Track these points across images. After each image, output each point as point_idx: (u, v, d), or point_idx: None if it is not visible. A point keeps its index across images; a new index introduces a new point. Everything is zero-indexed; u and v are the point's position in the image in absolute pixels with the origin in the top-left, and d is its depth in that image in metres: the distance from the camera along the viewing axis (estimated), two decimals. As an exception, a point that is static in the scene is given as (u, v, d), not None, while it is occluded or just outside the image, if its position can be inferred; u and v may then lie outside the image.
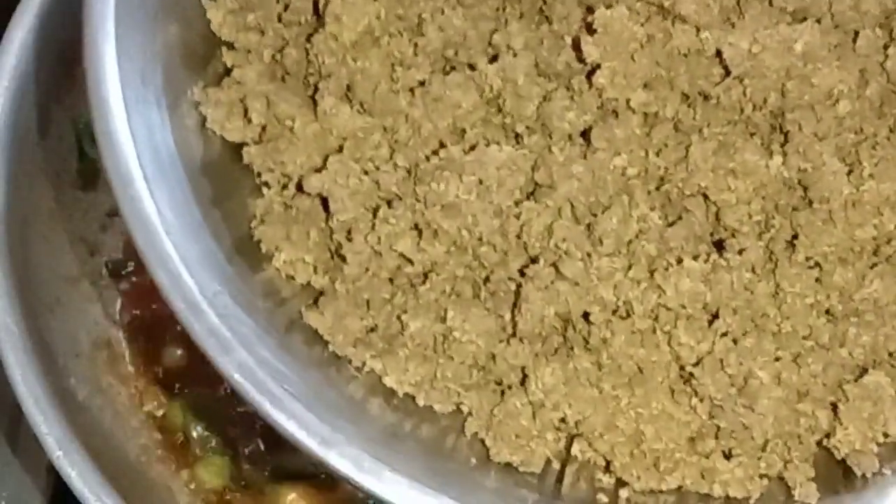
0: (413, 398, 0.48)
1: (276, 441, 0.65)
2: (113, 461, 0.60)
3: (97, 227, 0.68)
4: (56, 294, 0.64)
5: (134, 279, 0.68)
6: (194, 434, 0.66)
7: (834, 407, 0.48)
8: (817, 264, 0.48)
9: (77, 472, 0.57)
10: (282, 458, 0.66)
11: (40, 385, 0.58)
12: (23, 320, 0.58)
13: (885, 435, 0.48)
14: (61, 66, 0.62)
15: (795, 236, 0.48)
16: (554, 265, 0.47)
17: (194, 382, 0.67)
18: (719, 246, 0.49)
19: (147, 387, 0.67)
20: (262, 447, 0.66)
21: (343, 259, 0.49)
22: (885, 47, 0.50)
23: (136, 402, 0.67)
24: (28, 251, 0.61)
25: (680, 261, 0.47)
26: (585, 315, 0.48)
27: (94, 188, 0.67)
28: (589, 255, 0.47)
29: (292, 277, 0.49)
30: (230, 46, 0.52)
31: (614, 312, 0.47)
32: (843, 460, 0.48)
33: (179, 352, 0.68)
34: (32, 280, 0.61)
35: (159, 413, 0.67)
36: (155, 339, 0.68)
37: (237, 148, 0.51)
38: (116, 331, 0.67)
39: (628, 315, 0.47)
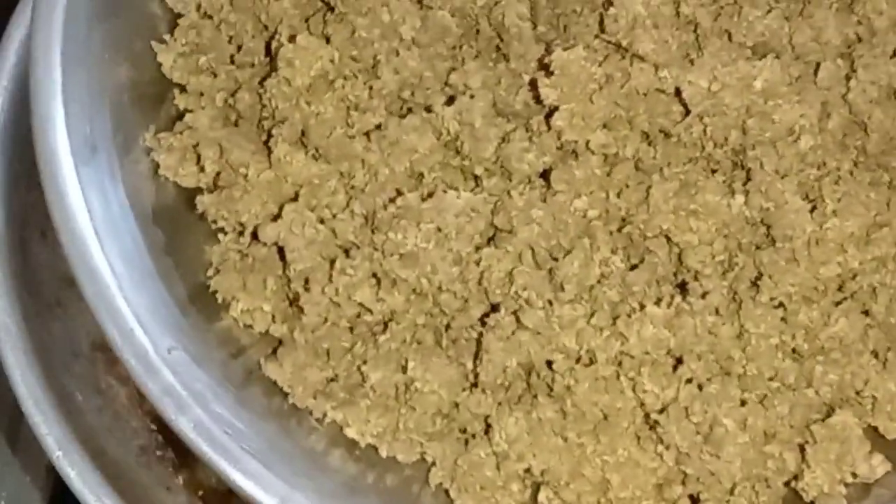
0: (376, 449, 0.48)
1: None
2: (113, 461, 0.60)
3: None
4: (56, 294, 0.63)
5: None
6: None
7: (801, 448, 0.48)
8: (781, 304, 0.47)
9: (77, 472, 0.57)
10: None
11: (40, 385, 0.57)
12: (23, 320, 0.58)
13: (854, 475, 0.47)
14: None
15: (759, 276, 0.47)
16: (515, 314, 0.47)
17: None
18: (683, 287, 0.48)
19: None
20: None
21: (301, 309, 0.48)
22: (847, 78, 0.49)
23: (136, 403, 0.66)
24: (28, 251, 0.61)
25: (643, 306, 0.47)
26: (549, 363, 0.47)
27: None
28: (550, 302, 0.47)
29: (250, 326, 0.49)
30: (182, 89, 0.51)
31: (577, 360, 0.47)
32: (812, 502, 0.48)
33: None
34: (32, 280, 0.61)
35: (159, 413, 0.66)
36: None
37: (191, 194, 0.50)
38: None
39: (592, 362, 0.47)
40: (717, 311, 0.47)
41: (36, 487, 0.67)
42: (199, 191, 0.50)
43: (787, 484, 0.48)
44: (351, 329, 0.48)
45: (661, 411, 0.47)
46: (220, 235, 0.50)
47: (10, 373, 0.58)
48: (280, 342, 0.49)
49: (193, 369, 0.46)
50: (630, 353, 0.46)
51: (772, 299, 0.47)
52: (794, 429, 0.47)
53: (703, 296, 0.47)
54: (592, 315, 0.47)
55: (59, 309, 0.63)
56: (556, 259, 0.47)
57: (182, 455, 0.66)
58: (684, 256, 0.47)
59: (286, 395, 0.48)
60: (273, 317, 0.49)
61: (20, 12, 0.59)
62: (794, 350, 0.48)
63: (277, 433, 0.47)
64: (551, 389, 0.47)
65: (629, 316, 0.46)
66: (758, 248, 0.48)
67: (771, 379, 0.47)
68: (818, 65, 0.49)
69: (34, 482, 0.67)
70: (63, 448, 0.57)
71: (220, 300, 0.49)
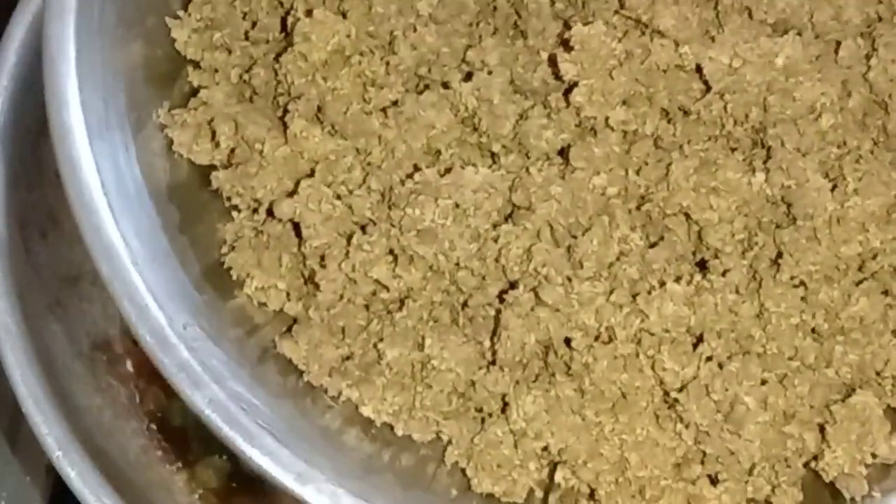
0: (391, 427, 0.47)
1: None
2: (113, 461, 0.60)
3: None
4: (56, 294, 0.63)
5: None
6: (194, 434, 0.65)
7: (821, 428, 0.47)
8: (802, 283, 0.47)
9: (77, 472, 0.57)
10: None
11: (40, 385, 0.57)
12: (23, 320, 0.58)
13: (874, 455, 0.47)
14: None
15: (780, 255, 0.47)
16: (534, 291, 0.46)
17: None
18: (702, 266, 0.47)
19: (147, 387, 0.67)
20: None
21: (317, 286, 0.47)
22: (867, 57, 0.49)
23: (136, 402, 0.66)
24: (28, 251, 0.61)
25: (662, 284, 0.46)
26: (567, 341, 0.47)
27: None
28: (569, 279, 0.46)
29: (264, 304, 0.48)
30: (196, 65, 0.50)
31: (596, 338, 0.46)
32: (832, 483, 0.47)
33: None
34: (32, 280, 0.61)
35: (159, 413, 0.67)
36: None
37: (205, 171, 0.49)
38: (116, 331, 0.67)
39: (611, 340, 0.46)
40: (737, 290, 0.46)
41: (36, 487, 0.67)
42: (213, 168, 0.49)
43: (806, 465, 0.47)
44: (367, 307, 0.47)
45: (680, 389, 0.46)
46: (235, 213, 0.49)
47: (10, 373, 0.58)
48: (295, 320, 0.48)
49: (209, 346, 0.45)
50: (650, 331, 0.46)
51: (792, 278, 0.47)
52: (814, 409, 0.47)
53: (724, 273, 0.47)
54: (612, 292, 0.46)
55: (59, 309, 0.63)
56: (574, 237, 0.47)
57: (182, 455, 0.66)
58: (704, 234, 0.47)
59: (301, 373, 0.47)
60: (288, 294, 0.48)
61: (20, 12, 0.59)
62: (814, 330, 0.47)
63: (293, 411, 0.46)
64: (569, 368, 0.46)
65: (649, 293, 0.46)
66: (778, 226, 0.47)
67: (791, 358, 0.47)
68: (839, 43, 0.49)
69: (34, 482, 0.67)
70: (63, 448, 0.57)
71: (234, 277, 0.48)
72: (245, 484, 0.66)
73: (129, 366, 0.67)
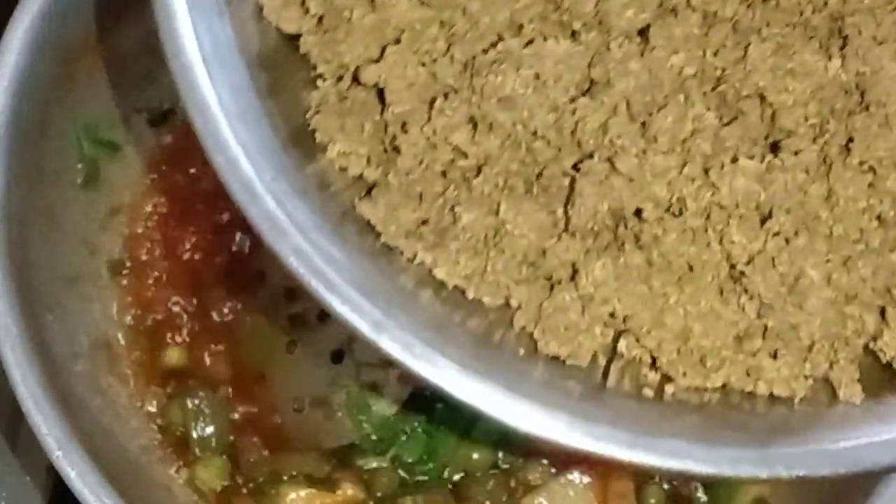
0: (462, 291, 0.49)
1: (277, 441, 0.66)
2: (113, 461, 0.60)
3: (97, 227, 0.68)
4: (56, 294, 0.64)
5: (134, 279, 0.69)
6: (194, 434, 0.66)
7: (882, 311, 0.48)
8: (871, 169, 0.48)
9: (77, 472, 0.57)
10: (282, 459, 0.66)
11: (40, 385, 0.58)
12: (23, 320, 0.58)
13: (932, 339, 0.48)
14: (61, 66, 0.62)
15: (851, 140, 0.48)
16: (609, 160, 0.47)
17: (194, 382, 0.67)
18: (774, 148, 0.48)
19: (147, 387, 0.68)
20: (262, 448, 0.67)
21: (397, 151, 0.49)
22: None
23: (136, 402, 0.67)
24: (28, 251, 0.61)
25: (735, 160, 0.47)
26: (638, 212, 0.48)
27: (93, 188, 0.67)
28: (644, 151, 0.47)
29: (345, 169, 0.49)
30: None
31: (667, 210, 0.47)
32: (889, 364, 0.48)
33: (179, 352, 0.68)
34: (32, 280, 0.61)
35: (159, 413, 0.67)
36: (155, 340, 0.68)
37: (293, 39, 0.51)
38: (116, 331, 0.67)
39: (681, 213, 0.47)
40: (807, 171, 0.47)
41: (36, 487, 0.67)
42: (300, 35, 0.50)
43: (864, 347, 0.48)
44: (444, 173, 0.49)
45: (747, 262, 0.47)
46: (320, 82, 0.50)
47: (10, 373, 0.58)
48: (374, 185, 0.49)
49: (295, 200, 0.47)
50: (720, 205, 0.47)
51: (861, 163, 0.48)
52: (875, 291, 0.48)
53: (795, 154, 0.47)
54: (684, 165, 0.47)
55: (59, 309, 0.64)
56: (650, 113, 0.48)
57: (182, 455, 0.67)
58: (778, 117, 0.48)
59: (378, 234, 0.49)
60: (368, 160, 0.49)
61: (20, 12, 0.59)
62: (880, 216, 0.48)
63: (371, 269, 0.48)
64: (639, 239, 0.48)
65: (721, 168, 0.47)
66: (851, 112, 0.48)
67: (856, 241, 0.48)
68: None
69: (34, 482, 0.67)
70: (63, 448, 0.57)
71: (318, 141, 0.49)
72: (245, 484, 0.67)
73: (129, 366, 0.68)
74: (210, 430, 0.66)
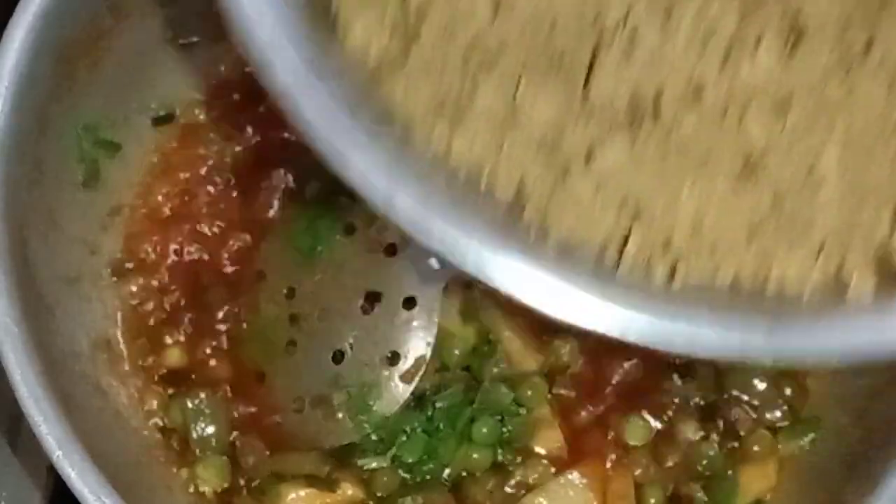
0: (478, 173, 0.48)
1: (277, 441, 0.66)
2: (113, 461, 0.59)
3: (97, 227, 0.68)
4: (56, 294, 0.64)
5: (134, 278, 0.69)
6: (194, 434, 0.66)
7: (896, 211, 0.48)
8: (891, 69, 0.48)
9: (77, 472, 0.57)
10: (282, 459, 0.66)
11: (40, 385, 0.58)
12: (23, 320, 0.58)
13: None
14: (61, 66, 0.63)
15: (871, 41, 0.48)
16: (630, 43, 0.47)
17: (194, 382, 0.67)
18: (796, 42, 0.48)
19: (147, 387, 0.67)
20: (262, 447, 0.67)
21: (418, 28, 0.48)
22: None
23: (136, 402, 0.67)
24: (28, 251, 0.61)
25: (756, 48, 0.47)
26: (656, 97, 0.48)
27: (94, 188, 0.67)
28: (666, 35, 0.47)
29: (367, 47, 0.49)
30: None
31: (686, 95, 0.47)
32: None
33: (179, 352, 0.68)
34: (32, 280, 0.61)
35: (159, 413, 0.67)
36: (155, 340, 0.68)
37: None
38: (116, 331, 0.67)
39: (700, 98, 0.47)
40: (827, 67, 0.47)
41: (36, 487, 0.67)
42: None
43: (878, 246, 0.48)
44: (464, 53, 0.48)
45: (763, 151, 0.47)
46: None
47: (10, 373, 0.58)
48: (395, 63, 0.49)
49: (315, 80, 0.47)
50: (739, 91, 0.47)
51: (882, 63, 0.47)
52: (891, 191, 0.48)
53: (816, 49, 0.47)
54: (706, 51, 0.47)
55: (59, 309, 0.64)
56: (672, 5, 0.47)
57: (182, 455, 0.67)
58: (800, 14, 0.47)
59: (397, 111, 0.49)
60: (390, 39, 0.49)
61: (20, 12, 0.60)
62: (896, 122, 0.48)
63: (390, 146, 0.48)
64: (656, 123, 0.48)
65: (742, 55, 0.47)
66: (875, 10, 0.47)
67: (873, 139, 0.48)
68: None
69: (34, 482, 0.67)
70: (63, 448, 0.57)
71: (340, 19, 0.49)
72: (245, 484, 0.66)
73: (129, 366, 0.68)
74: (210, 430, 0.66)
